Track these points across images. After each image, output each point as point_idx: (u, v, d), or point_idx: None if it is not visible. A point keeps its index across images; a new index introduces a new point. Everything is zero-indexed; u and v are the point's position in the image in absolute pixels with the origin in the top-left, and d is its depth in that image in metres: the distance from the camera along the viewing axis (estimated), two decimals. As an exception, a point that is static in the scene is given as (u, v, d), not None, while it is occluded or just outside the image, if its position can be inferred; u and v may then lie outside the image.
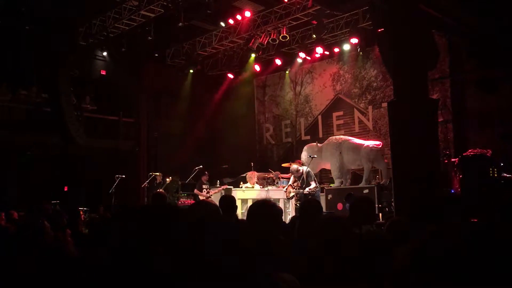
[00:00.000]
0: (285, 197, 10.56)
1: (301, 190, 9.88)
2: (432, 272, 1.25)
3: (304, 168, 10.15)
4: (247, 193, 11.00)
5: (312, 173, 10.18)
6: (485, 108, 11.15)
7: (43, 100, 12.77)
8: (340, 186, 11.35)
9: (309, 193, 9.71)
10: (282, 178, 12.18)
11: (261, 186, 11.29)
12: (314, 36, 12.81)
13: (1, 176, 11.22)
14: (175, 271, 1.71)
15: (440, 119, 8.71)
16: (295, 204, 10.38)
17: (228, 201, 4.45)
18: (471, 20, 9.37)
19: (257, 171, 11.96)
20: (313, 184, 9.89)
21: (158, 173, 12.15)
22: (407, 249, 2.66)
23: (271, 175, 12.16)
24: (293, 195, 10.18)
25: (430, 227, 1.35)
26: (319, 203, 3.62)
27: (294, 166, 10.27)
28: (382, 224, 5.37)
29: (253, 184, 11.26)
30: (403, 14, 6.68)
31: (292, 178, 10.46)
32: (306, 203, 3.59)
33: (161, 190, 10.74)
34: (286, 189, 10.50)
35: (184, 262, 1.73)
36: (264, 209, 2.68)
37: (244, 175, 12.11)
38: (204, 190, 11.42)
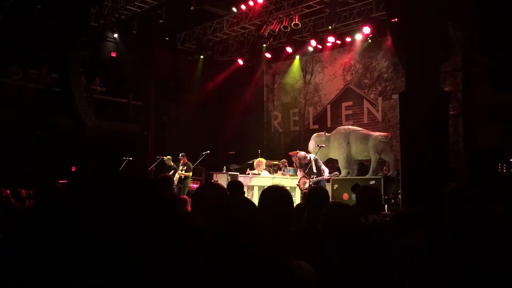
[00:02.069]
0: (300, 190, 10.37)
1: (318, 177, 9.78)
2: (436, 262, 1.24)
3: (312, 156, 10.12)
4: (253, 180, 11.01)
5: (319, 160, 10.15)
6: (496, 103, 11.03)
7: (53, 80, 12.81)
8: (347, 176, 11.31)
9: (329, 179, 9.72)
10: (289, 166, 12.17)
11: (272, 174, 11.31)
12: (330, 27, 12.68)
13: (10, 155, 11.30)
14: (188, 258, 1.69)
15: (451, 113, 8.62)
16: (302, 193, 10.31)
17: (236, 186, 4.46)
18: (485, 13, 9.26)
19: (265, 159, 11.97)
20: (326, 170, 9.87)
21: (167, 157, 12.11)
22: (413, 240, 2.66)
23: (279, 163, 12.17)
24: (309, 186, 9.97)
25: (435, 220, 1.34)
26: (326, 191, 3.61)
27: (302, 153, 10.22)
28: (387, 215, 5.36)
29: (261, 171, 11.26)
30: (417, 4, 6.59)
31: (300, 172, 10.33)
32: (313, 192, 3.58)
33: (168, 174, 10.77)
34: (299, 181, 10.32)
35: (197, 248, 1.71)
36: (277, 194, 2.67)
37: (250, 161, 12.12)
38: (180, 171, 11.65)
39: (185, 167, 11.64)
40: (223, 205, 1.74)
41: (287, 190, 2.82)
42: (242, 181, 9.67)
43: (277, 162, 12.26)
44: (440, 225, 1.28)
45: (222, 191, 2.69)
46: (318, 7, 12.42)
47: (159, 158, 12.11)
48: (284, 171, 11.97)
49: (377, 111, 13.66)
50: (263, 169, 11.38)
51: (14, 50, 12.14)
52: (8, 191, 7.24)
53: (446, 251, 1.15)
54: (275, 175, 11.39)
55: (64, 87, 12.25)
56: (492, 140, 9.50)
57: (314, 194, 3.45)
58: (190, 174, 11.76)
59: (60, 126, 12.42)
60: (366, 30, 12.46)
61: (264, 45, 14.19)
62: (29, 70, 12.70)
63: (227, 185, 4.59)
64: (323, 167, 9.93)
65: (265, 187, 2.94)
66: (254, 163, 11.56)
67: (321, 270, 2.20)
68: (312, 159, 9.95)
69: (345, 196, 10.54)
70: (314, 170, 9.98)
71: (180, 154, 11.80)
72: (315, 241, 2.79)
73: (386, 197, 10.08)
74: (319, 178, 9.83)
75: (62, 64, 12.22)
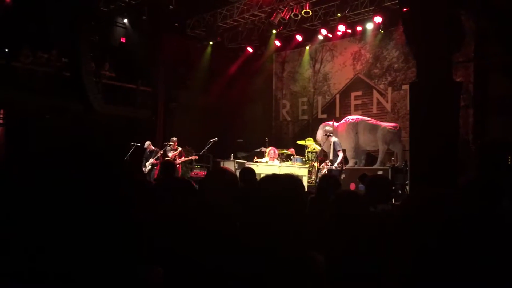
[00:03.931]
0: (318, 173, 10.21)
1: (331, 166, 9.64)
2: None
3: (333, 139, 9.89)
4: (260, 168, 11.01)
5: (338, 144, 9.83)
6: (507, 94, 10.92)
7: (63, 64, 12.83)
8: (354, 166, 11.30)
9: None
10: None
11: (280, 163, 11.29)
12: (339, 14, 12.58)
13: (19, 138, 11.36)
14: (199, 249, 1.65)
15: (461, 104, 8.55)
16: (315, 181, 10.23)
17: (249, 174, 4.46)
18: (500, 4, 9.12)
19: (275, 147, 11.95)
20: (339, 156, 9.74)
21: (147, 142, 11.85)
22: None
23: (288, 151, 12.18)
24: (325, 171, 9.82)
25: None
26: (337, 179, 3.60)
27: (329, 128, 10.03)
28: (396, 205, 5.36)
29: (273, 160, 11.23)
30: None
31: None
32: (324, 179, 3.58)
33: (172, 159, 10.77)
34: (322, 166, 10.13)
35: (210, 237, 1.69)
36: (290, 183, 2.66)
37: (258, 150, 12.12)
38: (172, 154, 11.23)
39: (177, 153, 11.34)
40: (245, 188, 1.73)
41: (300, 179, 2.80)
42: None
43: (289, 152, 12.20)
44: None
45: (232, 177, 2.69)
46: (330, -5, 12.32)
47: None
48: (291, 160, 11.97)
49: (387, 102, 13.58)
50: (275, 158, 11.34)
51: (24, 33, 12.14)
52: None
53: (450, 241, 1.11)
54: (283, 164, 11.38)
55: (74, 71, 12.27)
56: (503, 132, 9.42)
57: (324, 181, 3.45)
58: (182, 159, 11.47)
59: (70, 111, 12.47)
60: (378, 19, 12.34)
61: (274, 31, 14.08)
62: (39, 54, 12.72)
63: (240, 172, 4.60)
64: (339, 154, 9.71)
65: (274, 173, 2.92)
66: (266, 152, 11.52)
67: (327, 258, 2.20)
68: (332, 141, 9.75)
69: (352, 186, 10.53)
70: (331, 156, 9.79)
71: (173, 138, 11.49)
72: (320, 228, 2.78)
73: (393, 187, 10.07)
74: (332, 167, 9.70)
75: (72, 49, 12.23)
